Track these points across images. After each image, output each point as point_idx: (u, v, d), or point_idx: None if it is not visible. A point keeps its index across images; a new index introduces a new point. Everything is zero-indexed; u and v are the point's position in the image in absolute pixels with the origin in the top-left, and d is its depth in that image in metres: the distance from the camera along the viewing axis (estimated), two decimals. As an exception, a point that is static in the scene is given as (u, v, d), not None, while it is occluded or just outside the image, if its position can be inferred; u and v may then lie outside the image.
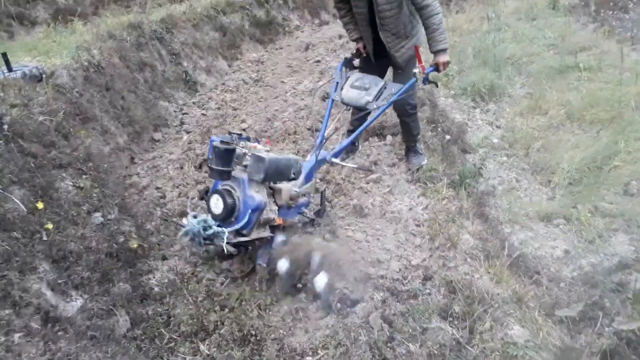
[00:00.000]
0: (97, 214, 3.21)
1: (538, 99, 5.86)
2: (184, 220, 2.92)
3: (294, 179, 2.98)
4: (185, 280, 3.19)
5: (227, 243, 2.69)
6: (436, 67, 3.76)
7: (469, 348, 2.52)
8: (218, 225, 2.76)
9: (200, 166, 4.39)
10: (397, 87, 3.66)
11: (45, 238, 2.68)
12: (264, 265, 2.98)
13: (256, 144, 2.98)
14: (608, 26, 7.86)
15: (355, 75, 3.90)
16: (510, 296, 2.85)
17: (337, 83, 3.91)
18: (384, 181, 4.04)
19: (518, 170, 4.72)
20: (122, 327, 2.71)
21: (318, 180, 3.82)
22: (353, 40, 4.25)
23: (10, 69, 3.90)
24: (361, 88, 3.69)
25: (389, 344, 2.60)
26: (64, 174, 3.22)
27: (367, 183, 4.01)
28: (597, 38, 7.46)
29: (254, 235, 2.84)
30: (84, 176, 3.36)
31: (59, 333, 2.36)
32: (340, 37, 8.13)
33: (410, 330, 2.66)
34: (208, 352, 2.67)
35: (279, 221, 2.96)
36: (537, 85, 6.26)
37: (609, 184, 4.18)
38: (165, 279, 3.18)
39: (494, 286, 2.92)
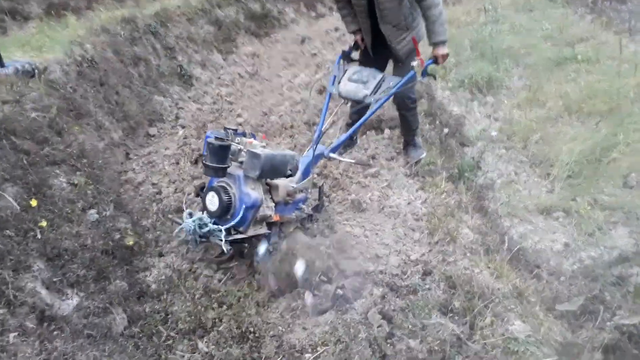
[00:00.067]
0: (92, 211, 3.17)
1: (536, 90, 5.83)
2: (184, 215, 2.90)
3: (290, 175, 2.94)
4: (183, 277, 3.17)
5: (224, 240, 2.66)
6: (435, 60, 3.72)
7: (470, 344, 2.50)
8: (214, 223, 2.73)
9: (196, 161, 4.35)
10: (395, 80, 3.62)
11: (39, 236, 2.64)
12: (262, 262, 2.96)
13: (252, 139, 2.94)
14: (606, 17, 7.83)
15: (353, 68, 3.85)
16: (510, 291, 2.82)
17: (335, 76, 3.87)
18: (382, 175, 4.00)
19: (516, 163, 4.70)
20: (119, 325, 2.68)
21: (316, 175, 3.79)
22: (351, 33, 4.19)
23: (2, 65, 3.83)
24: (359, 81, 3.65)
25: (388, 340, 2.58)
26: (57, 171, 3.18)
27: (365, 177, 3.97)
28: (594, 29, 7.43)
29: (251, 232, 2.81)
30: (78, 173, 3.32)
31: (55, 332, 2.33)
32: (336, 29, 8.06)
33: (410, 326, 2.64)
34: (206, 350, 2.65)
35: (276, 218, 2.93)
36: (535, 77, 6.23)
37: (608, 176, 4.17)
38: (162, 276, 3.15)
39: (494, 281, 2.89)
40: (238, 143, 2.88)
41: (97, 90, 4.48)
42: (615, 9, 8.09)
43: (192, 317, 2.81)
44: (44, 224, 2.71)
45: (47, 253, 2.62)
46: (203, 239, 2.77)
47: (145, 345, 2.65)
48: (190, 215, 2.81)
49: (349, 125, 4.40)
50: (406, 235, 3.38)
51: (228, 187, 2.77)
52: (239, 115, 5.29)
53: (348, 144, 4.34)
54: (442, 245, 3.24)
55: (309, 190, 3.33)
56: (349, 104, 4.08)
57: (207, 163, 2.71)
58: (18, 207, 2.66)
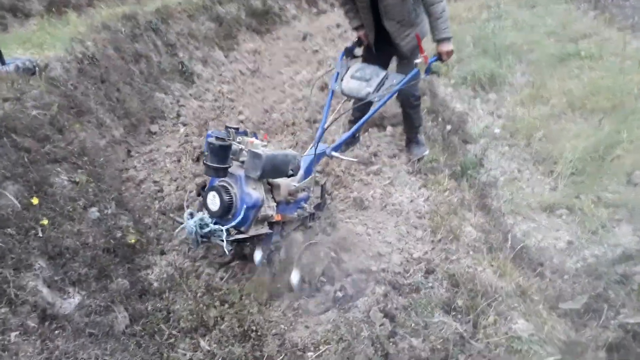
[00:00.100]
0: (94, 209, 3.16)
1: (539, 87, 5.81)
2: (184, 215, 2.89)
3: (292, 175, 2.92)
4: (185, 275, 3.16)
5: (225, 240, 2.65)
6: (439, 57, 3.69)
7: (473, 343, 2.49)
8: (215, 223, 2.72)
9: (197, 159, 4.34)
10: (398, 78, 3.59)
11: (40, 234, 2.63)
12: (264, 260, 2.94)
13: (253, 138, 2.91)
14: (609, 13, 7.78)
15: (356, 65, 3.82)
16: (514, 289, 2.81)
17: (338, 73, 3.84)
18: (385, 173, 3.98)
19: (520, 160, 4.68)
20: (121, 324, 2.67)
21: (318, 174, 3.77)
22: (354, 29, 4.15)
23: (3, 62, 3.82)
24: (362, 79, 3.62)
25: (391, 339, 2.57)
26: (58, 169, 3.17)
27: (368, 175, 3.95)
28: (597, 25, 7.38)
29: (252, 232, 2.80)
30: (79, 170, 3.31)
31: (57, 331, 2.33)
32: (338, 26, 8.04)
33: (412, 325, 2.63)
34: (208, 348, 2.64)
35: (277, 217, 2.91)
36: (538, 73, 6.20)
37: (612, 173, 4.14)
38: (164, 274, 3.15)
39: (497, 279, 2.88)
40: (239, 142, 2.86)
41: (98, 88, 4.47)
42: (618, 5, 8.04)
43: (194, 315, 2.80)
44: (45, 222, 2.70)
45: (48, 251, 2.61)
46: (204, 239, 2.75)
47: (147, 344, 2.65)
48: (192, 215, 2.80)
49: (351, 123, 4.37)
50: (409, 233, 3.36)
51: (229, 187, 2.75)
52: (240, 113, 5.27)
53: (350, 141, 4.31)
54: (444, 243, 3.22)
55: (311, 189, 3.32)
56: (352, 101, 4.06)
57: (208, 163, 2.69)
58: (19, 206, 2.65)
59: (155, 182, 4.10)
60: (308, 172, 3.25)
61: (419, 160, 4.14)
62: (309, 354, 2.55)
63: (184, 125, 5.09)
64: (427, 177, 3.94)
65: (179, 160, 4.38)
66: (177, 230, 3.06)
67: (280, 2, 8.78)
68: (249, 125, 4.99)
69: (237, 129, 2.89)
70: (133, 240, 3.23)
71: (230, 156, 2.76)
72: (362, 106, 4.00)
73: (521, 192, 4.19)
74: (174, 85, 5.71)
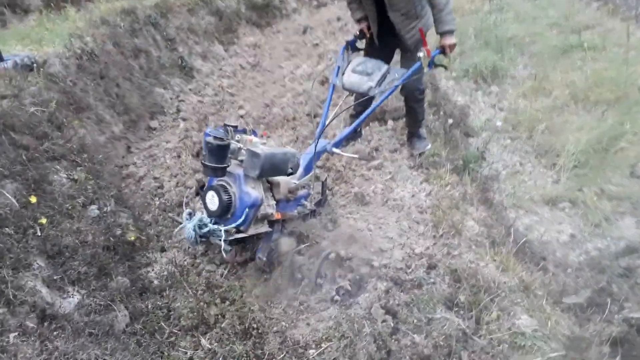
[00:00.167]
0: (93, 207, 3.14)
1: (541, 79, 5.76)
2: (183, 215, 2.87)
3: (291, 173, 2.90)
4: (185, 272, 3.15)
5: (224, 240, 2.62)
6: (442, 50, 3.63)
7: (476, 339, 2.47)
8: (214, 223, 2.69)
9: (197, 154, 4.32)
10: (401, 72, 3.54)
11: (39, 233, 2.61)
12: (264, 258, 2.93)
13: (252, 136, 2.88)
14: (612, 4, 7.71)
15: (358, 59, 3.78)
16: (517, 284, 2.78)
17: (339, 67, 3.80)
18: (386, 167, 3.95)
19: (522, 153, 4.65)
20: (122, 322, 2.66)
21: (318, 169, 3.75)
22: (356, 21, 4.07)
23: (1, 59, 3.80)
24: (363, 73, 3.58)
25: (393, 336, 2.55)
26: (57, 166, 3.14)
27: (369, 170, 3.92)
28: (601, 16, 7.33)
29: (252, 231, 2.78)
30: (78, 168, 3.28)
31: (56, 331, 2.30)
32: (339, 19, 7.98)
33: (415, 321, 2.61)
34: (209, 346, 2.63)
35: (277, 216, 2.89)
36: (541, 65, 6.15)
37: (615, 166, 4.11)
38: (164, 272, 3.13)
39: (500, 274, 2.85)
40: (238, 141, 2.83)
41: (97, 83, 4.44)
42: (621, -5, 7.97)
43: (195, 313, 2.79)
44: (44, 220, 2.68)
45: (47, 250, 2.59)
46: (203, 239, 2.73)
47: (147, 342, 2.63)
48: (190, 215, 2.78)
49: (353, 117, 4.33)
50: (410, 229, 3.34)
51: (228, 186, 2.73)
52: (240, 108, 5.24)
53: (352, 136, 4.28)
54: (446, 238, 3.19)
55: (312, 186, 3.29)
56: (354, 96, 4.02)
57: (206, 163, 2.67)
58: (17, 204, 2.63)
59: (155, 178, 4.08)
60: (308, 169, 3.22)
61: (420, 154, 4.10)
62: (311, 351, 2.53)
63: (184, 120, 5.06)
64: (429, 172, 3.91)
65: (179, 156, 4.36)
66: (176, 230, 3.04)
67: (280, -5, 8.73)
68: (250, 120, 4.96)
69: (235, 126, 2.86)
70: (133, 238, 3.21)
71: (229, 155, 2.73)
72: (363, 101, 3.96)
73: (523, 186, 4.16)
74: (173, 80, 5.68)
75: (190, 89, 5.76)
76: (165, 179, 4.04)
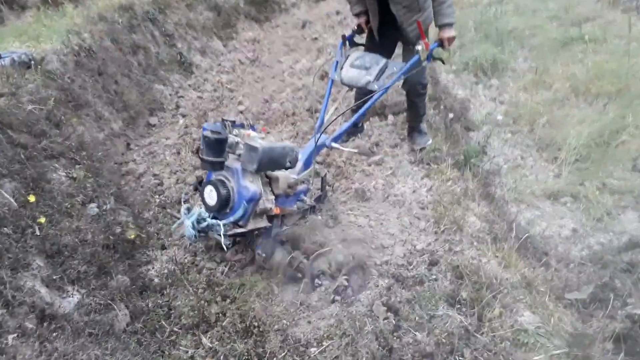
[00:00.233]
0: (92, 205, 3.12)
1: (542, 72, 5.72)
2: (182, 210, 2.86)
3: (290, 167, 2.89)
4: (186, 270, 3.13)
5: (223, 235, 2.61)
6: (441, 43, 3.59)
7: (478, 336, 2.45)
8: (213, 217, 2.68)
9: (197, 151, 4.28)
10: (399, 66, 3.51)
11: (38, 232, 2.59)
12: (263, 255, 2.91)
13: (250, 131, 2.87)
14: (612, -5, 7.65)
15: (356, 53, 3.74)
16: (519, 281, 2.76)
17: (337, 62, 3.77)
18: (386, 163, 3.93)
19: (523, 147, 4.62)
20: (122, 322, 2.64)
21: (318, 165, 3.72)
22: (355, 15, 4.02)
23: (-2, 56, 3.78)
24: (361, 67, 3.55)
25: (395, 333, 2.53)
26: (56, 165, 3.12)
27: (369, 165, 3.90)
28: (601, 8, 7.27)
29: (251, 226, 2.77)
30: (77, 166, 3.27)
31: (55, 332, 2.29)
32: (337, 13, 7.93)
33: (416, 318, 2.59)
34: (210, 345, 2.61)
35: (276, 211, 2.87)
36: (541, 58, 6.11)
37: (617, 159, 4.08)
38: (164, 270, 3.12)
39: (502, 270, 2.83)
40: (235, 135, 2.82)
41: (96, 80, 4.41)
42: (622, -13, 7.90)
43: (196, 311, 2.77)
44: (42, 219, 2.66)
45: (46, 250, 2.57)
46: (202, 234, 2.72)
47: (148, 341, 2.62)
48: (189, 210, 2.76)
49: (354, 112, 4.30)
50: (412, 225, 3.32)
51: (226, 181, 2.72)
52: (240, 103, 5.21)
53: (353, 131, 4.25)
54: (448, 234, 3.17)
55: (311, 181, 3.27)
56: (354, 91, 3.99)
57: (204, 157, 2.66)
58: (16, 203, 2.61)
59: (155, 175, 4.06)
60: (308, 163, 3.20)
61: (421, 149, 4.08)
62: (312, 349, 2.52)
63: (183, 116, 5.05)
64: (430, 167, 3.88)
65: (178, 153, 4.34)
66: (174, 226, 3.03)
67: (279, -11, 8.68)
68: (249, 116, 4.94)
69: (233, 121, 2.85)
70: (133, 236, 3.19)
71: (227, 149, 2.72)
72: (364, 95, 3.92)
73: (525, 180, 4.13)
74: (172, 77, 5.65)
75: (189, 85, 5.74)
76: (165, 176, 4.02)
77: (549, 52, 6.13)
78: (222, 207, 2.68)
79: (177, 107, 5.28)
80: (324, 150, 3.81)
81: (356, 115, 3.65)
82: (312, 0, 9.16)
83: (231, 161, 2.76)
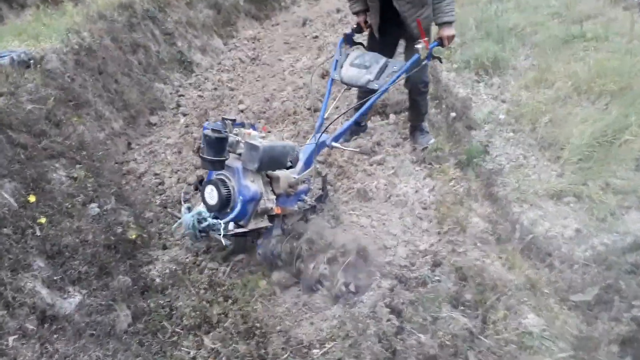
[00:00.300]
0: (93, 205, 3.10)
1: (544, 70, 5.67)
2: (182, 209, 2.84)
3: (290, 167, 2.87)
4: (187, 270, 3.12)
5: (223, 235, 2.59)
6: (440, 42, 3.57)
7: (483, 338, 2.43)
8: (214, 217, 2.66)
9: (198, 150, 4.26)
10: (399, 65, 3.49)
11: (38, 233, 2.58)
12: (265, 254, 2.90)
13: (251, 130, 2.85)
14: (614, -7, 7.61)
15: (355, 52, 3.72)
16: (523, 282, 2.74)
17: (337, 61, 3.74)
18: (388, 162, 3.90)
19: (525, 146, 4.58)
20: (123, 322, 2.63)
21: (319, 164, 3.70)
22: (354, 13, 3.99)
23: (-3, 55, 3.75)
24: (361, 66, 3.52)
25: (398, 335, 2.51)
26: (56, 165, 3.10)
27: (371, 165, 3.87)
28: (603, 5, 7.23)
29: (252, 225, 2.75)
30: (77, 165, 3.25)
31: (56, 333, 2.28)
32: (338, 11, 7.90)
33: (420, 320, 2.57)
34: (212, 346, 2.60)
35: (277, 210, 2.86)
36: (542, 56, 6.07)
37: (620, 159, 4.04)
38: (166, 270, 3.10)
39: (506, 272, 2.81)
40: (236, 134, 2.80)
41: (96, 79, 4.40)
42: (623, -16, 7.87)
43: (197, 312, 2.76)
44: (43, 220, 2.65)
45: (47, 250, 2.56)
46: (203, 234, 2.70)
47: (150, 342, 2.61)
48: (189, 209, 2.75)
49: (357, 110, 4.27)
50: (414, 225, 3.29)
51: (227, 180, 2.70)
52: (240, 102, 5.19)
53: (355, 130, 4.22)
54: (451, 234, 3.14)
55: (312, 181, 3.25)
56: (358, 90, 3.96)
57: (204, 156, 2.64)
58: (16, 204, 2.60)
59: (156, 174, 4.05)
60: (308, 163, 3.19)
61: (423, 149, 4.05)
62: (315, 351, 2.50)
63: (184, 115, 5.03)
64: (432, 167, 3.86)
65: (179, 152, 4.32)
66: (174, 225, 3.01)
67: (279, -14, 8.65)
68: (250, 115, 4.92)
69: (234, 120, 2.84)
70: (134, 236, 3.17)
71: (227, 148, 2.71)
72: (366, 94, 3.89)
73: (527, 180, 4.10)
74: (173, 75, 5.64)
75: (189, 84, 5.72)
76: (166, 175, 4.00)
77: (550, 50, 6.09)
78: (223, 206, 2.67)
79: (178, 106, 5.26)
80: (325, 150, 3.79)
81: (357, 115, 3.63)
82: (313, -2, 9.13)
83: (232, 160, 2.74)
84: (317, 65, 5.67)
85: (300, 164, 3.10)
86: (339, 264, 2.84)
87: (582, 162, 4.17)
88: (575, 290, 2.88)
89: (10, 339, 2.05)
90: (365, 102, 3.50)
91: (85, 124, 3.86)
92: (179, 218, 2.86)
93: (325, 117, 3.58)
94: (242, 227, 2.74)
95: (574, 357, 2.33)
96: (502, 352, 2.34)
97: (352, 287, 2.75)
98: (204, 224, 2.67)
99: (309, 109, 4.84)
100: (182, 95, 5.44)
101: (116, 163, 4.11)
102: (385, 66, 3.51)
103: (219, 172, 2.75)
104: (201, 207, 2.80)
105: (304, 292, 2.82)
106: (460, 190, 3.58)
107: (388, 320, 2.57)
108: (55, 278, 2.49)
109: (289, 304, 2.79)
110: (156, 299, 2.88)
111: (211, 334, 2.67)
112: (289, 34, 7.39)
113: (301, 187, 3.10)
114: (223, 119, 2.83)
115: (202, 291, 2.94)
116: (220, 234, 2.63)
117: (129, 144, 4.48)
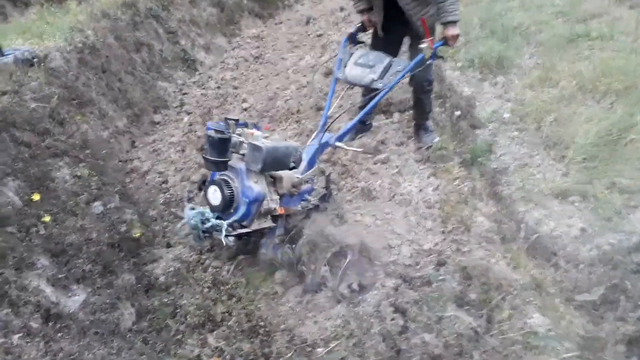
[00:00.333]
0: (97, 203, 3.11)
1: (548, 69, 5.65)
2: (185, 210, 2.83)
3: (293, 167, 2.86)
4: (191, 268, 3.13)
5: (226, 235, 2.58)
6: (445, 41, 3.55)
7: (488, 338, 2.42)
8: (217, 217, 2.65)
9: (201, 148, 4.27)
10: (404, 64, 3.47)
11: (42, 231, 2.59)
12: (268, 254, 2.89)
13: (254, 130, 2.84)
14: (619, -9, 7.58)
15: (359, 51, 3.70)
16: (528, 282, 2.72)
17: (341, 60, 3.73)
18: (392, 161, 3.88)
19: (530, 145, 4.56)
20: (127, 321, 2.64)
21: (323, 163, 3.69)
22: (359, 12, 3.94)
23: (1, 54, 3.75)
24: (365, 65, 3.51)
25: (403, 334, 2.50)
26: (60, 163, 3.11)
27: (375, 164, 3.86)
28: (608, 4, 7.19)
29: (255, 226, 2.74)
30: (81, 164, 3.26)
31: (61, 331, 2.28)
32: (342, 9, 7.87)
33: (425, 320, 2.55)
34: (216, 345, 2.60)
35: (281, 211, 2.85)
36: (547, 55, 6.04)
37: (626, 158, 4.02)
38: (170, 268, 3.11)
39: (511, 271, 2.80)
40: (239, 135, 2.79)
41: (100, 78, 4.40)
42: (629, -17, 7.83)
43: (202, 310, 2.76)
44: (47, 218, 2.66)
45: (51, 249, 2.57)
46: (206, 234, 2.69)
47: (154, 340, 2.62)
48: (193, 209, 2.74)
49: (361, 110, 4.25)
50: (418, 224, 3.27)
51: (230, 181, 2.69)
52: (244, 101, 5.18)
53: (360, 128, 4.21)
54: (456, 234, 3.12)
55: (315, 181, 3.24)
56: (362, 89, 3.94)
57: (208, 157, 2.63)
58: (20, 202, 2.60)
59: (159, 173, 4.05)
60: (312, 163, 3.18)
61: (428, 147, 4.03)
62: (319, 350, 2.49)
63: (188, 114, 5.03)
64: (436, 166, 3.83)
65: (183, 150, 4.32)
66: (178, 225, 3.00)
67: (283, -15, 8.64)
68: (253, 113, 4.91)
69: (237, 120, 2.82)
70: (138, 234, 3.18)
71: (231, 149, 2.70)
72: (370, 93, 3.87)
73: (532, 179, 4.07)
74: (176, 74, 5.64)
75: (193, 82, 5.72)
76: (169, 174, 4.00)
77: (555, 49, 6.06)
78: (226, 207, 2.65)
79: (182, 104, 5.26)
80: (329, 149, 3.78)
81: (361, 114, 3.60)
82: (316, -3, 9.11)
83: (235, 161, 2.73)
84: (320, 64, 5.65)
85: (303, 164, 3.09)
86: (343, 263, 2.83)
87: (587, 161, 4.15)
88: (581, 290, 2.86)
89: (15, 337, 2.06)
90: (369, 100, 3.49)
91: (89, 123, 3.87)
92: (182, 218, 2.86)
93: (328, 115, 3.57)
94: (245, 227, 2.73)
95: (580, 357, 2.31)
96: (507, 352, 2.33)
97: (355, 286, 2.74)
98: (208, 225, 2.66)
99: (312, 107, 4.82)
100: (186, 94, 5.44)
101: (120, 161, 4.12)
102: (389, 65, 3.49)
103: (222, 172, 2.74)
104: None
105: (307, 291, 2.81)
106: (464, 190, 3.55)
107: (392, 319, 2.56)
108: (59, 276, 2.50)
109: (292, 303, 2.78)
110: (160, 297, 2.88)
111: (215, 332, 2.68)
112: (292, 32, 7.37)
113: (305, 186, 3.08)
114: (226, 118, 2.82)
115: (206, 289, 2.94)
116: (223, 235, 2.62)
117: (133, 142, 4.49)
